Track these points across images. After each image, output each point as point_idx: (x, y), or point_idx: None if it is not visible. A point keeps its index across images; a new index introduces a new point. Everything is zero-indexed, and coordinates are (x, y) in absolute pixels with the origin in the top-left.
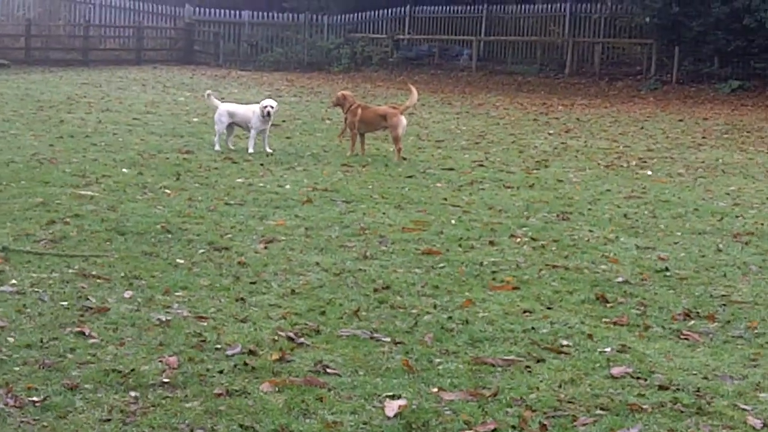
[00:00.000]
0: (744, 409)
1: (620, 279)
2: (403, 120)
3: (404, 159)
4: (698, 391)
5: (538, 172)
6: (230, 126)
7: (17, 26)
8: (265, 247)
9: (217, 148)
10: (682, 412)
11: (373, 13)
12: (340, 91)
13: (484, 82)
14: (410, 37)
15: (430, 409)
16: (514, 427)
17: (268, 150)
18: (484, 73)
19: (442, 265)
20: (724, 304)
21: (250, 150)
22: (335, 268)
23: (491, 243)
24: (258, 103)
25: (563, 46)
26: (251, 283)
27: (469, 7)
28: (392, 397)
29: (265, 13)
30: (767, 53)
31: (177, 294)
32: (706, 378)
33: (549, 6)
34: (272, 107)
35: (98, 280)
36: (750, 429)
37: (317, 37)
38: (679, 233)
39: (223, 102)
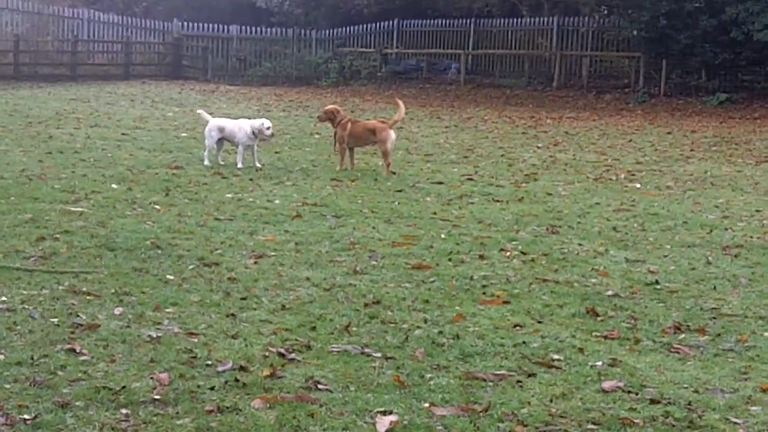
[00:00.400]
0: (735, 423)
1: (610, 292)
2: (392, 134)
3: (393, 173)
4: (689, 404)
5: (527, 186)
6: (220, 141)
7: (5, 42)
8: (255, 263)
9: (206, 163)
10: (673, 426)
11: (361, 27)
12: (329, 105)
13: (472, 95)
14: (398, 51)
15: (421, 425)
16: None
17: (258, 165)
18: (472, 87)
19: (432, 279)
20: (715, 317)
21: (239, 165)
22: (325, 283)
23: (481, 257)
24: (247, 118)
25: (551, 59)
26: (242, 298)
27: (456, 21)
28: (384, 413)
29: (254, 28)
30: (754, 66)
31: (167, 310)
32: (697, 391)
33: (536, 19)
34: (269, 126)
35: (88, 297)
36: None
37: (305, 51)
38: (668, 246)
39: (213, 117)
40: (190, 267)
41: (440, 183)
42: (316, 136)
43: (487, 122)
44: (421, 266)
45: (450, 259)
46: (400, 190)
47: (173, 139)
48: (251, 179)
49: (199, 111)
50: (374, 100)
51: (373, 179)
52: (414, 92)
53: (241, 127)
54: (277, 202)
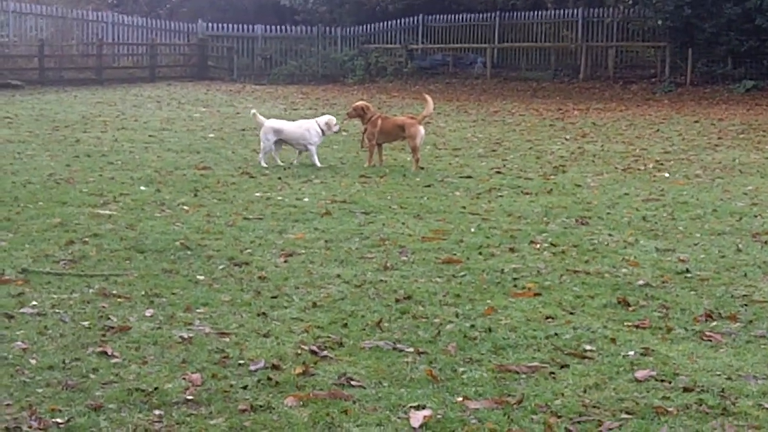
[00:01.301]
0: None
1: (641, 282)
2: (422, 130)
3: (422, 168)
4: (723, 391)
5: (556, 178)
6: (277, 142)
7: (30, 47)
8: (285, 261)
9: (263, 164)
10: (707, 413)
11: (386, 23)
12: (358, 101)
13: (498, 89)
14: (424, 47)
15: (455, 419)
16: None
17: (294, 162)
18: (498, 80)
19: (462, 273)
20: (746, 304)
21: (318, 164)
22: (356, 279)
23: (511, 250)
24: (307, 119)
25: (577, 51)
26: (272, 297)
27: (481, 15)
28: (417, 408)
29: (278, 27)
30: None
31: (198, 311)
32: (730, 378)
33: (561, 11)
34: (336, 122)
35: (119, 299)
36: None
37: (331, 49)
38: (698, 234)
39: (268, 120)
40: (220, 267)
41: (469, 177)
42: (344, 133)
43: (515, 115)
44: (451, 260)
45: (480, 253)
46: (428, 185)
47: (200, 140)
48: (279, 178)
49: (253, 111)
50: (401, 96)
51: (401, 175)
52: (440, 87)
53: (309, 128)
54: (306, 200)
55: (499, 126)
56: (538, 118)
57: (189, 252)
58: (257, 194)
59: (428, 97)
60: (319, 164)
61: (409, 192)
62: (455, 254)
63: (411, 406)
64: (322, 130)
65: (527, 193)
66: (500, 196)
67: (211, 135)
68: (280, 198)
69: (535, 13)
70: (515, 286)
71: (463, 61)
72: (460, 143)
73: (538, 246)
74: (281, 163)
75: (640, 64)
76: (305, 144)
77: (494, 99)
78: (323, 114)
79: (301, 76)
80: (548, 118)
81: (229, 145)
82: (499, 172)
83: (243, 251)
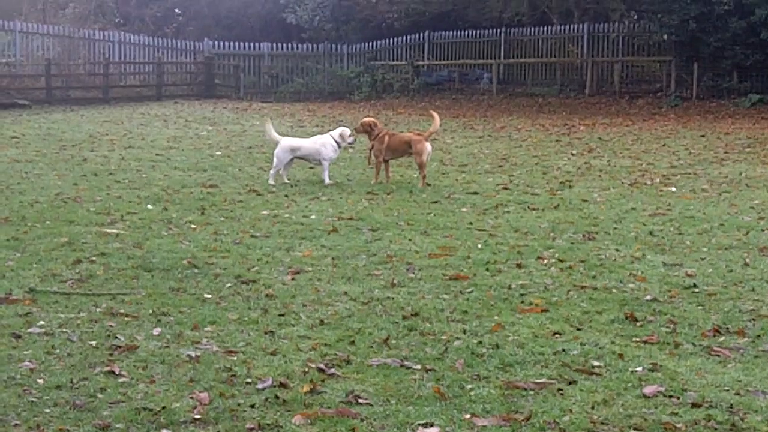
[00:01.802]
0: None
1: (649, 297)
2: (428, 146)
3: (428, 185)
4: (731, 407)
5: (563, 193)
6: (290, 161)
7: (37, 66)
8: (293, 279)
9: (271, 182)
10: (716, 429)
11: (392, 40)
12: (366, 117)
13: (505, 104)
14: (430, 63)
15: None
16: None
17: (328, 180)
18: (504, 96)
19: (470, 289)
20: (754, 319)
21: (328, 181)
22: (363, 297)
23: (518, 266)
24: (320, 134)
25: (582, 66)
26: (280, 315)
27: (487, 31)
28: (425, 425)
29: (285, 45)
30: None
31: (206, 329)
32: (738, 394)
33: (567, 27)
34: (350, 133)
35: (126, 318)
36: None
37: (337, 66)
38: (705, 249)
39: (283, 138)
40: (228, 285)
41: (475, 193)
42: (351, 150)
43: (521, 131)
44: (458, 277)
45: (487, 269)
46: (435, 202)
47: (207, 158)
48: (286, 195)
49: (267, 126)
50: (407, 113)
51: (408, 191)
52: (447, 103)
53: (324, 143)
54: (312, 217)
55: (506, 142)
56: (544, 133)
57: (196, 270)
58: (264, 212)
59: (435, 114)
60: (328, 180)
61: (415, 208)
62: (462, 270)
63: (419, 424)
64: (338, 143)
65: (534, 209)
66: (507, 212)
67: (218, 153)
68: (287, 215)
69: (541, 28)
70: (522, 302)
71: (469, 77)
72: (467, 159)
73: (545, 262)
74: (287, 181)
75: (646, 79)
76: (320, 159)
77: (500, 114)
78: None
79: (308, 94)
80: (554, 133)
81: (236, 162)
82: (505, 188)
83: (250, 269)
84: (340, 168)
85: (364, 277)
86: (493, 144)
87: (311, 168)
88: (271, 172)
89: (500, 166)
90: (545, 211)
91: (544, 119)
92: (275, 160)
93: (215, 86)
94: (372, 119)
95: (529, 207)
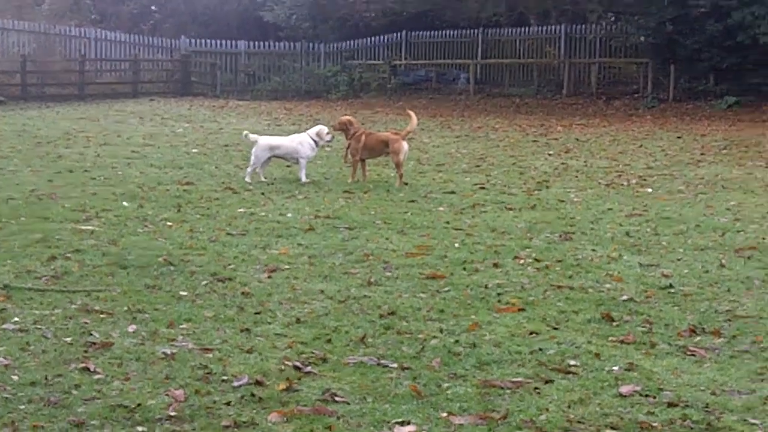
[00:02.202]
0: (753, 424)
1: (625, 297)
2: (405, 145)
3: (406, 184)
4: (707, 407)
5: (540, 193)
6: (268, 159)
7: (13, 62)
8: (269, 277)
9: (247, 179)
10: (691, 428)
11: (369, 39)
12: (343, 116)
13: (482, 104)
14: (407, 63)
15: None
16: None
17: (304, 179)
18: (482, 96)
19: (447, 288)
20: (729, 319)
21: (304, 179)
22: (340, 295)
23: (495, 265)
24: (298, 133)
25: (559, 67)
26: (256, 313)
27: (464, 31)
28: (402, 424)
29: (261, 43)
30: (762, 69)
31: (181, 326)
32: (714, 394)
33: (544, 28)
34: (328, 131)
35: (101, 315)
36: None
37: (314, 65)
38: (681, 250)
39: (261, 137)
40: (203, 283)
41: (452, 193)
42: (327, 149)
43: (498, 131)
44: (435, 276)
45: (464, 268)
46: (412, 201)
47: (183, 155)
48: (263, 193)
49: (245, 133)
50: (384, 112)
51: (385, 190)
52: (424, 103)
53: (301, 141)
54: (289, 215)
55: (483, 142)
56: (521, 133)
57: (172, 268)
58: (240, 210)
59: (412, 113)
60: (305, 179)
61: (393, 207)
62: (439, 270)
63: (395, 422)
64: (315, 141)
65: (511, 209)
66: (484, 211)
67: (195, 150)
68: (263, 213)
69: (519, 29)
70: (499, 301)
71: (446, 77)
72: (444, 159)
73: (522, 261)
74: (264, 180)
75: (623, 80)
76: (297, 157)
77: (478, 115)
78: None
79: (285, 92)
80: (531, 134)
81: (212, 160)
82: (482, 188)
83: (226, 267)
84: (317, 166)
85: (341, 275)
86: (471, 144)
87: (288, 166)
88: (248, 170)
89: (477, 166)
90: (522, 210)
91: (521, 119)
92: (253, 158)
93: (192, 84)
94: (349, 118)
95: (506, 207)
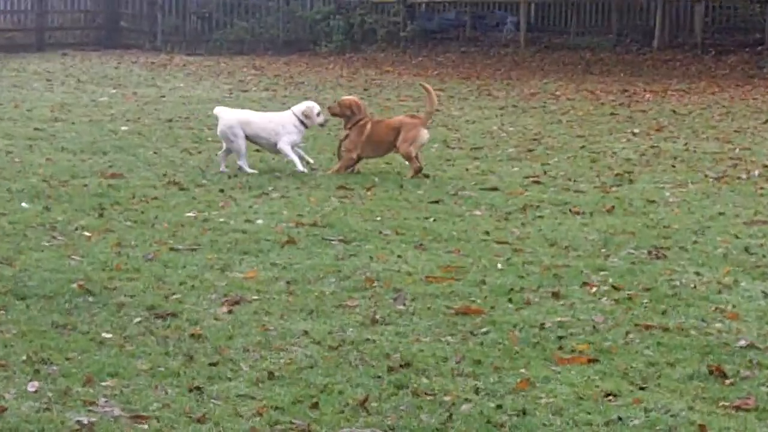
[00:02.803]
0: None
1: (743, 342)
2: (425, 133)
3: (426, 176)
4: None
5: (620, 191)
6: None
7: None
8: (230, 312)
9: (248, 170)
10: None
11: None
12: (347, 96)
13: (537, 61)
14: (430, 1)
15: None
16: None
17: (310, 160)
18: (536, 50)
19: (485, 329)
20: None
21: (300, 168)
22: (331, 338)
23: (555, 295)
24: (281, 110)
25: (649, 7)
26: (210, 364)
27: None
28: None
29: None
30: None
31: (104, 384)
32: None
33: None
34: (319, 111)
35: None
36: None
37: (297, 4)
38: None
39: (228, 110)
40: (136, 320)
41: (494, 189)
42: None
43: (560, 99)
44: (468, 311)
45: (510, 300)
46: (436, 201)
47: (108, 135)
48: (221, 190)
49: (217, 109)
50: (397, 72)
51: (396, 186)
52: (454, 60)
53: (284, 122)
54: (259, 222)
55: (538, 115)
56: (593, 103)
57: (91, 298)
58: (190, 214)
59: (429, 87)
60: (301, 168)
61: (407, 211)
62: (474, 302)
63: None
64: (303, 122)
65: (578, 213)
66: (539, 217)
67: (124, 128)
68: (222, 220)
69: None
70: (561, 348)
71: (486, 22)
72: (482, 140)
73: (593, 290)
74: (225, 170)
75: (741, 26)
76: (276, 142)
77: (531, 76)
78: (302, 101)
79: (255, 44)
80: (608, 103)
81: (150, 142)
82: (537, 182)
83: (168, 297)
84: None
85: (333, 309)
86: (520, 118)
87: (257, 151)
88: (240, 161)
89: (530, 151)
90: (594, 216)
91: (593, 83)
92: (231, 142)
93: (121, 31)
94: (354, 99)
95: (570, 210)
